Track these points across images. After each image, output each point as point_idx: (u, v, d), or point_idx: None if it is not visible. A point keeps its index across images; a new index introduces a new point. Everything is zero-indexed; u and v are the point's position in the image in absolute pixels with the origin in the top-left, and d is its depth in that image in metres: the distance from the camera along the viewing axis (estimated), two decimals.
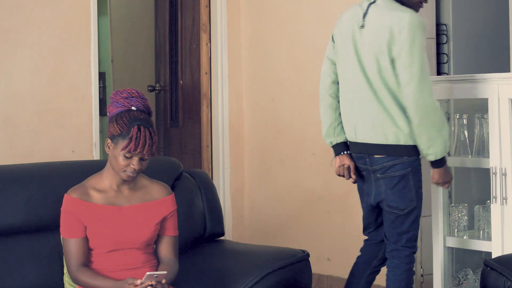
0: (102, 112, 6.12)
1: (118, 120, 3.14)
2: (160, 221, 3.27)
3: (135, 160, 3.13)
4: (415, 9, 3.66)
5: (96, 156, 5.01)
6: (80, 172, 3.54)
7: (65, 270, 3.34)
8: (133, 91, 3.21)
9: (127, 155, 3.12)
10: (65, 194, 3.21)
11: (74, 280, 3.19)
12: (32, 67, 4.83)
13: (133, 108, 3.17)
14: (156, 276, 3.00)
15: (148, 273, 3.00)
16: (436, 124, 3.57)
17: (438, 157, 3.63)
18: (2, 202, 3.38)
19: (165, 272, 3.06)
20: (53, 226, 3.44)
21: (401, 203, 3.64)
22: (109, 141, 3.16)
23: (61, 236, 3.27)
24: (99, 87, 5.71)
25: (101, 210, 3.19)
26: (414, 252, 3.71)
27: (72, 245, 3.18)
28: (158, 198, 3.28)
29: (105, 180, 3.23)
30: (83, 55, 5.01)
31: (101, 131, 5.52)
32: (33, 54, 4.83)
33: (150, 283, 2.99)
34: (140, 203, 3.25)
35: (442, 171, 3.70)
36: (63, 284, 3.37)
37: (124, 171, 3.15)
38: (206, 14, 5.75)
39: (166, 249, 3.29)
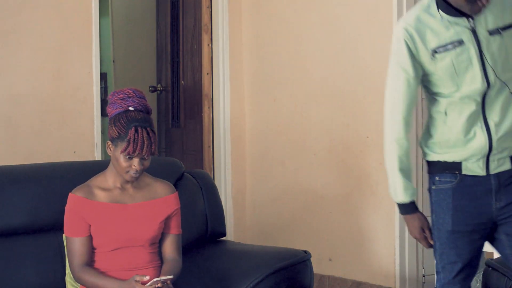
0: (104, 112, 6.10)
1: (116, 122, 3.15)
2: (164, 219, 3.28)
3: (136, 161, 3.14)
4: (471, 9, 2.90)
5: (97, 156, 5.01)
6: (81, 172, 3.54)
7: (67, 271, 3.34)
8: (129, 91, 3.20)
9: (128, 156, 3.14)
10: (69, 193, 3.22)
11: (77, 279, 3.19)
12: (33, 68, 4.83)
13: (130, 108, 3.17)
14: (162, 282, 3.04)
15: (155, 279, 3.03)
16: (385, 144, 3.05)
17: (393, 199, 3.08)
18: (4, 202, 3.38)
19: (171, 276, 3.09)
20: (54, 227, 3.45)
21: None
22: (109, 143, 3.18)
23: (64, 236, 3.28)
24: (101, 88, 5.70)
25: (105, 208, 3.20)
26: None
27: (75, 244, 3.18)
28: (162, 196, 3.30)
29: (109, 180, 3.24)
30: (85, 56, 5.01)
31: (103, 132, 5.52)
32: (34, 55, 4.83)
33: (157, 285, 3.02)
34: (144, 201, 3.26)
35: (405, 219, 3.10)
36: (65, 284, 3.37)
37: (127, 172, 3.17)
38: (207, 14, 5.75)
39: (169, 247, 3.30)
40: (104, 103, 6.60)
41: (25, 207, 3.41)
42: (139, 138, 3.10)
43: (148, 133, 3.12)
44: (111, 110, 3.20)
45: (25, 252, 3.39)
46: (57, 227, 3.45)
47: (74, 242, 3.19)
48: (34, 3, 4.82)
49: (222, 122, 5.68)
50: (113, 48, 7.14)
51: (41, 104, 4.85)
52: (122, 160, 3.14)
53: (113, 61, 7.14)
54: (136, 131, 3.10)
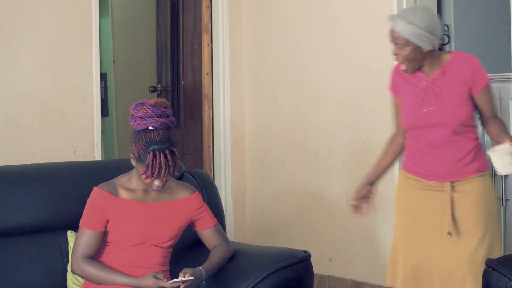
0: (104, 112, 6.13)
1: (136, 141, 3.17)
2: (187, 220, 3.34)
3: (156, 181, 3.19)
4: None
5: (98, 156, 5.01)
6: (81, 172, 3.55)
7: (69, 268, 3.34)
8: (149, 110, 3.18)
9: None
10: (94, 187, 3.27)
11: (78, 270, 3.20)
12: (34, 68, 4.83)
13: (150, 128, 3.18)
14: (183, 282, 3.10)
15: (175, 279, 3.09)
16: None
17: None
18: (4, 202, 3.38)
19: (191, 278, 3.12)
20: (54, 227, 3.45)
21: None
22: (132, 156, 3.21)
23: (68, 233, 3.32)
24: (101, 88, 5.71)
25: (127, 204, 3.25)
26: None
27: (85, 236, 3.21)
28: (183, 196, 3.36)
29: (133, 182, 3.29)
30: (85, 55, 5.01)
31: (103, 132, 5.53)
32: (35, 55, 4.83)
33: (176, 285, 3.08)
34: (165, 201, 3.31)
35: None
36: (65, 284, 3.37)
37: (150, 186, 3.23)
38: (207, 14, 5.75)
39: (215, 239, 3.40)
40: (104, 103, 6.61)
41: (25, 207, 3.41)
42: (156, 164, 3.12)
43: (166, 156, 3.13)
44: (133, 125, 3.21)
45: (25, 252, 3.39)
46: (57, 227, 3.45)
47: (84, 233, 3.22)
48: (34, 3, 4.82)
49: (222, 122, 5.68)
50: (113, 48, 7.14)
51: (41, 104, 4.85)
52: (144, 177, 3.18)
53: (113, 61, 7.14)
54: (154, 156, 3.12)
